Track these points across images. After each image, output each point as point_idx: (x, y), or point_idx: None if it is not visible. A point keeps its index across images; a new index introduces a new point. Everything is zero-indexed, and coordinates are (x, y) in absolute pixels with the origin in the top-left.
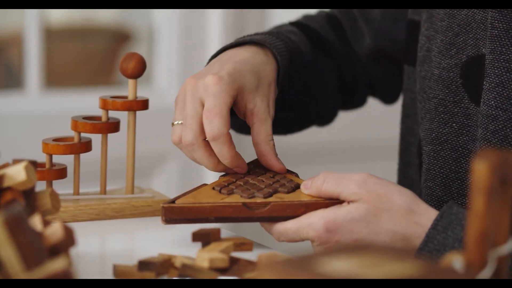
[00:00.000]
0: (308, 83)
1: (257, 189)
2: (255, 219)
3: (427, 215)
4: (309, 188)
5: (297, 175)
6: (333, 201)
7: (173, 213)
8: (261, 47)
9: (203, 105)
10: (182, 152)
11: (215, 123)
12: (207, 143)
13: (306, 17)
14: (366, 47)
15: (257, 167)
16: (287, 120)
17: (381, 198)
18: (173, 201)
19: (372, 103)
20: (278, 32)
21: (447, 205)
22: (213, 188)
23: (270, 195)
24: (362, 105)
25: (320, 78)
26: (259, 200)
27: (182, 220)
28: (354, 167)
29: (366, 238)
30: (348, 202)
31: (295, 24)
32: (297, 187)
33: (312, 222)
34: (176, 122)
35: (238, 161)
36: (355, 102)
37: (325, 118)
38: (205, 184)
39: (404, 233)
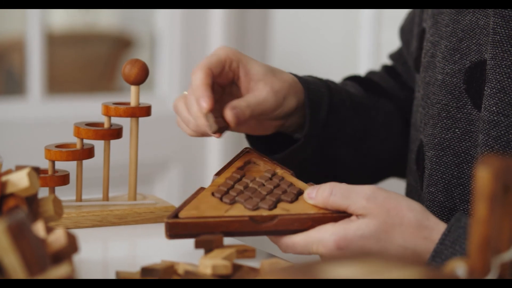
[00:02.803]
0: (369, 121)
1: (260, 198)
2: (262, 233)
3: (437, 229)
4: (314, 198)
5: (293, 174)
6: (341, 214)
7: (178, 229)
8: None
9: None
10: (185, 158)
11: (201, 62)
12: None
13: (367, 72)
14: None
15: (251, 166)
16: (361, 165)
17: (390, 213)
18: (176, 215)
19: None
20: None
21: (455, 217)
22: (213, 195)
23: (275, 205)
24: None
25: (383, 118)
26: (265, 213)
27: (187, 235)
28: None
29: None
30: (357, 216)
31: (349, 78)
32: (299, 193)
33: (322, 238)
34: (185, 92)
35: (203, 92)
36: None
37: (399, 166)
38: (202, 188)
39: (415, 248)
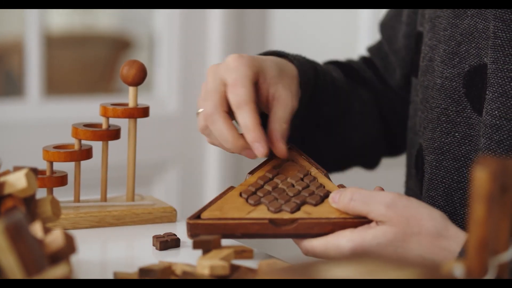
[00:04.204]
0: (347, 107)
1: (285, 200)
2: (282, 236)
3: (457, 239)
4: (337, 202)
5: (327, 174)
6: (361, 220)
7: (199, 229)
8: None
9: (224, 84)
10: (184, 159)
11: (238, 92)
12: (227, 115)
13: (347, 60)
14: (398, 79)
15: (288, 164)
16: (331, 149)
17: (409, 222)
18: (198, 216)
19: None
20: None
21: None
22: (240, 195)
23: (298, 208)
24: (404, 151)
25: (360, 107)
26: (286, 216)
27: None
28: (364, 175)
29: None
30: (377, 223)
31: (330, 62)
32: (326, 195)
33: (339, 244)
34: (199, 110)
35: (260, 134)
36: (398, 148)
37: (369, 158)
38: (232, 187)
39: (433, 258)
